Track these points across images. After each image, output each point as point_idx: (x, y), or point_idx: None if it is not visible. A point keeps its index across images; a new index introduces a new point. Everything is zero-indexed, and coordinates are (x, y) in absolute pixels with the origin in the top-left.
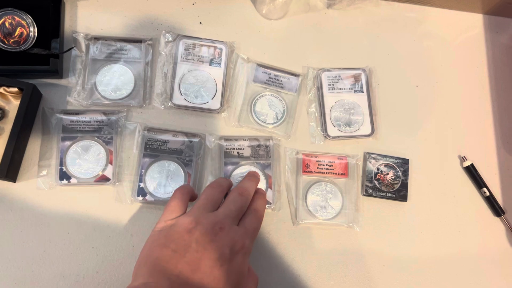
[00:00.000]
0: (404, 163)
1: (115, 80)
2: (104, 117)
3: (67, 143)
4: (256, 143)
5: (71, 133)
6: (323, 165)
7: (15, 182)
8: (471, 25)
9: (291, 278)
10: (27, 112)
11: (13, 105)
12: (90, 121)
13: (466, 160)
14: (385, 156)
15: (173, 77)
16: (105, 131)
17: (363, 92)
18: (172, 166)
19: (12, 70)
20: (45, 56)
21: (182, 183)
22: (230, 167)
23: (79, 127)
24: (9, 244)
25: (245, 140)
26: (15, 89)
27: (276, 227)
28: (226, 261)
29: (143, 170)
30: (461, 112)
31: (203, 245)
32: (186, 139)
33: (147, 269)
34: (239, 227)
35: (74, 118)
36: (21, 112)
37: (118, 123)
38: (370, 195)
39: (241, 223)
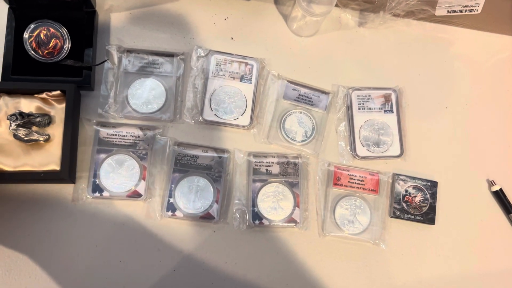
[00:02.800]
0: (432, 186)
1: (147, 94)
2: (140, 132)
3: (102, 155)
4: (284, 160)
5: (107, 146)
6: (354, 179)
7: (74, 183)
8: (503, 47)
9: None
10: (74, 111)
11: (57, 109)
12: (126, 136)
13: (495, 184)
14: (414, 178)
15: (204, 92)
16: (141, 147)
17: (393, 112)
18: (202, 181)
19: (45, 81)
20: (78, 67)
21: (211, 199)
22: (258, 184)
23: (115, 141)
24: (37, 255)
25: (274, 157)
26: (57, 92)
27: (302, 246)
28: None
29: (173, 185)
30: (490, 135)
31: None
32: (215, 155)
33: None
34: None
35: (111, 131)
36: (69, 112)
37: (154, 139)
38: (398, 217)
39: None
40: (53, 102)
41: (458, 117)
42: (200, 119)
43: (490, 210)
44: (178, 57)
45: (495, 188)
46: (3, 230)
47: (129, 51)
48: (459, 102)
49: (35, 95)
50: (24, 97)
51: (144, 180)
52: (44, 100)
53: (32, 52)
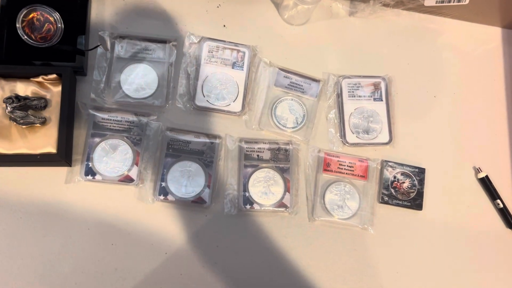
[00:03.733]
0: (420, 172)
1: (139, 80)
2: (135, 118)
3: (96, 139)
4: (275, 146)
5: (101, 130)
6: (344, 165)
7: (71, 166)
8: (490, 38)
9: (306, 282)
10: (70, 94)
11: (53, 92)
12: (121, 121)
13: (481, 171)
14: (402, 165)
15: (196, 78)
16: (135, 132)
17: (382, 100)
18: (194, 166)
19: (34, 66)
20: (71, 53)
21: (203, 184)
22: (249, 169)
23: (110, 125)
24: (30, 237)
25: (265, 143)
26: (53, 76)
27: (292, 230)
28: None
29: (165, 170)
30: (477, 123)
31: None
32: (207, 140)
33: None
34: None
35: (105, 116)
36: (65, 95)
37: (149, 125)
38: (386, 202)
39: None
40: (49, 86)
41: (446, 106)
42: (192, 105)
43: (476, 196)
44: (171, 44)
45: (481, 175)
46: None
47: (122, 37)
48: (447, 91)
49: (31, 79)
50: (20, 81)
51: (137, 165)
52: (40, 83)
53: (25, 36)
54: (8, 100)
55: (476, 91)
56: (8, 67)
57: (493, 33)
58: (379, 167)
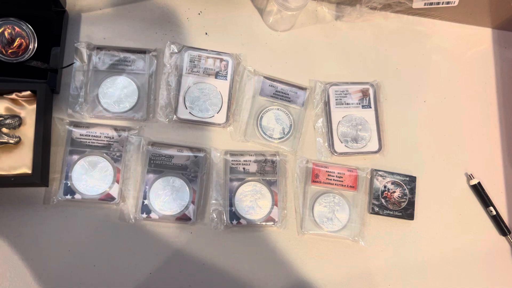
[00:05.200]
0: (411, 181)
1: (118, 93)
2: (115, 133)
3: (75, 157)
4: (262, 158)
5: (80, 147)
6: (333, 176)
7: (48, 187)
8: (480, 39)
9: None
10: (46, 112)
11: (27, 110)
12: (100, 137)
13: (473, 178)
14: (392, 174)
15: (178, 89)
16: (115, 148)
17: (370, 107)
18: (177, 182)
19: (7, 83)
20: (43, 70)
21: (187, 200)
22: (235, 183)
23: (89, 142)
24: (6, 261)
25: (251, 155)
26: (28, 93)
27: (281, 245)
28: None
29: (147, 187)
30: (468, 128)
31: None
32: (191, 154)
33: None
34: None
35: (84, 131)
36: (41, 113)
37: (129, 140)
38: (377, 213)
39: None
40: (23, 103)
41: (436, 111)
42: (175, 117)
43: (469, 204)
44: (151, 54)
45: (474, 181)
46: None
47: (99, 48)
48: (437, 95)
49: (4, 96)
50: None
51: (118, 183)
52: (13, 101)
53: None
54: None
55: (467, 95)
56: None
57: (484, 34)
58: (369, 177)
